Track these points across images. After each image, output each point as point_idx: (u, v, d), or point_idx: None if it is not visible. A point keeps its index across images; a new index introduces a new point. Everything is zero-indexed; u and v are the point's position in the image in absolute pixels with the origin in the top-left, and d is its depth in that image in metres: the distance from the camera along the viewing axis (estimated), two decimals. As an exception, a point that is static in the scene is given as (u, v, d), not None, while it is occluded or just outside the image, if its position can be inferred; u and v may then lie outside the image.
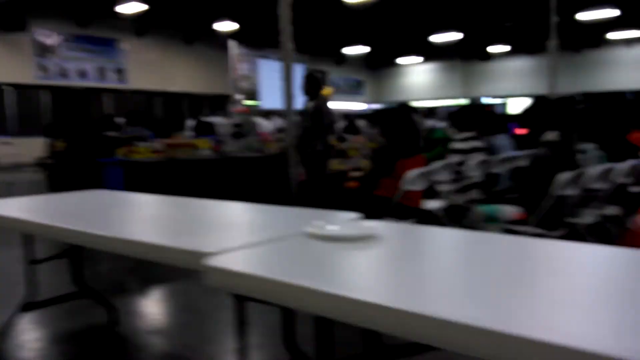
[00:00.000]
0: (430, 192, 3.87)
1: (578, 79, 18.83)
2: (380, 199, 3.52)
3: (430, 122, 14.82)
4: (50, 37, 15.28)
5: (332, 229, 1.48)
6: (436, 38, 18.50)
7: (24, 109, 15.15)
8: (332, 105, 21.16)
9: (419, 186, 3.53)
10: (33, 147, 14.93)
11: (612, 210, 3.83)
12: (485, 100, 21.29)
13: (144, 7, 13.67)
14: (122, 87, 16.80)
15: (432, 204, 4.01)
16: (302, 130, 4.82)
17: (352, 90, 24.38)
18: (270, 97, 18.11)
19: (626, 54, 18.27)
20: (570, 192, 3.05)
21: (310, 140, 4.80)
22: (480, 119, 4.50)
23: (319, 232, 1.46)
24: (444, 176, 4.02)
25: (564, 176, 2.91)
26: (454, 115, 4.44)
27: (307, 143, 4.79)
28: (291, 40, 6.21)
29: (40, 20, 14.94)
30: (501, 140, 4.93)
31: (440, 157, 7.38)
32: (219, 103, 19.20)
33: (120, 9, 14.09)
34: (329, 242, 1.41)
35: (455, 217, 4.61)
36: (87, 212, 2.21)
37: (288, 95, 6.35)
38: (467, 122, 4.39)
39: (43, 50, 15.20)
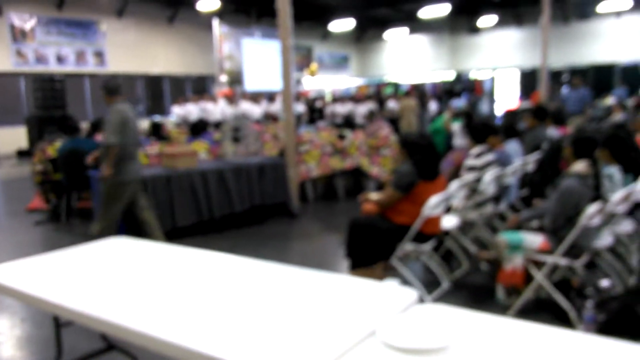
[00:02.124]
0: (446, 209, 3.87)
1: (567, 51, 18.83)
2: (398, 226, 3.50)
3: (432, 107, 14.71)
4: (26, 22, 14.72)
5: (409, 335, 1.46)
6: (424, 12, 18.26)
7: (2, 98, 14.70)
8: (319, 81, 20.98)
9: (440, 211, 3.51)
10: (13, 138, 14.61)
11: (627, 226, 3.87)
12: (473, 74, 21.19)
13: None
14: (102, 71, 16.34)
15: (449, 222, 4.00)
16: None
17: (338, 65, 24.08)
18: (255, 78, 17.87)
19: (615, 25, 18.25)
20: (596, 221, 3.06)
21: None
22: (491, 132, 4.47)
23: (396, 344, 1.43)
24: (460, 194, 4.01)
25: (592, 208, 2.91)
26: (470, 130, 4.40)
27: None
28: (290, 19, 6.13)
29: (15, 4, 14.37)
30: (511, 147, 4.92)
31: (440, 147, 7.39)
32: (202, 84, 18.85)
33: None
34: (406, 354, 1.39)
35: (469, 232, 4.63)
36: (120, 288, 2.13)
37: (286, 77, 6.28)
38: (479, 135, 4.37)
39: (20, 36, 14.66)
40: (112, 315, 1.79)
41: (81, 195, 6.50)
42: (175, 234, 5.27)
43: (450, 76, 21.58)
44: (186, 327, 1.66)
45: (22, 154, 14.13)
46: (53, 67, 15.22)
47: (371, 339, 1.52)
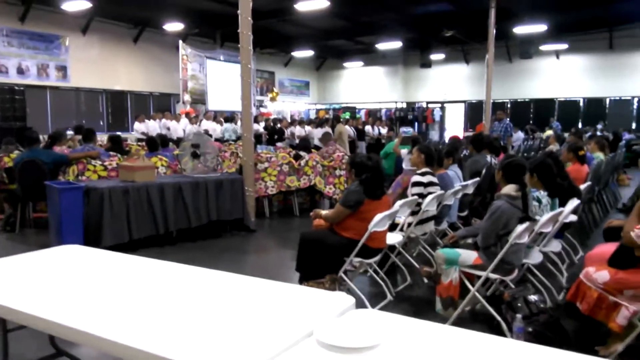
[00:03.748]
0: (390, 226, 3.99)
1: (510, 87, 19.70)
2: (346, 241, 3.59)
3: (373, 130, 15.30)
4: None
5: (343, 335, 1.52)
6: (380, 45, 18.79)
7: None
8: (280, 104, 21.09)
9: (384, 227, 3.62)
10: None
11: (556, 246, 4.09)
12: (424, 104, 21.90)
13: (88, 4, 13.03)
14: (64, 85, 15.95)
15: (394, 238, 4.12)
16: None
17: (299, 90, 24.33)
18: (218, 98, 17.84)
19: (554, 65, 19.23)
20: (525, 240, 3.23)
21: None
22: (438, 156, 4.68)
23: (330, 342, 1.49)
24: (405, 211, 4.14)
25: (521, 227, 3.07)
26: (423, 153, 4.60)
27: None
28: (250, 43, 6.27)
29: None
30: (452, 171, 5.13)
31: (390, 170, 7.58)
32: (165, 102, 18.66)
33: (65, 5, 13.37)
34: (339, 353, 1.45)
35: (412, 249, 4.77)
36: (71, 293, 2.11)
37: (245, 97, 6.37)
38: (430, 159, 4.56)
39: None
40: (61, 317, 1.77)
41: (36, 206, 6.32)
42: (130, 246, 5.18)
43: (402, 105, 22.23)
44: (132, 328, 1.68)
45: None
46: (13, 79, 14.76)
47: (308, 339, 1.58)
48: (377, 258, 3.78)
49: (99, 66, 16.65)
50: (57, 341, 2.73)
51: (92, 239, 4.96)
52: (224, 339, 1.59)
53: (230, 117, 14.44)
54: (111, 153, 6.74)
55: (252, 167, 6.58)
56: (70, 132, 12.36)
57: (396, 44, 18.32)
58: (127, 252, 2.72)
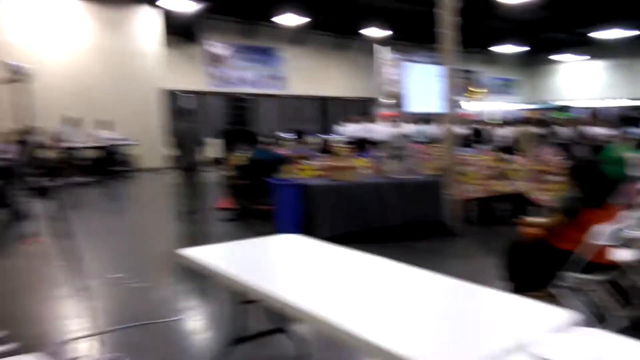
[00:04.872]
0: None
1: None
2: (561, 252, 3.31)
3: (598, 131, 13.54)
4: (219, 48, 16.70)
5: (563, 352, 1.44)
6: (600, 34, 16.73)
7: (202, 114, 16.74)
8: (482, 104, 20.38)
9: (608, 241, 3.25)
10: (212, 148, 16.58)
11: None
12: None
13: (304, 19, 14.32)
14: (282, 93, 17.82)
15: (623, 255, 3.66)
16: None
17: (503, 89, 23.07)
18: (416, 100, 17.94)
19: None
20: None
21: None
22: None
23: (548, 358, 1.43)
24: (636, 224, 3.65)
25: None
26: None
27: None
28: (454, 44, 6.20)
29: (211, 33, 16.39)
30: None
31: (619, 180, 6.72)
32: (364, 106, 19.49)
33: (281, 20, 14.92)
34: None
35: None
36: (296, 276, 2.39)
37: (447, 100, 6.30)
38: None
39: (213, 60, 16.66)
40: (290, 296, 2.02)
41: (260, 199, 7.19)
42: (331, 241, 5.57)
43: (627, 102, 19.42)
44: (349, 314, 1.82)
45: (217, 162, 16.01)
46: (240, 88, 16.98)
47: (521, 353, 1.52)
48: (603, 276, 3.40)
49: (309, 74, 18.18)
50: (274, 318, 3.08)
51: (308, 229, 5.47)
52: (434, 337, 1.63)
53: (422, 119, 14.42)
54: (319, 154, 7.33)
55: (452, 170, 6.48)
56: (286, 135, 13.78)
57: (622, 34, 16.10)
58: (338, 243, 2.94)
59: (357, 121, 14.08)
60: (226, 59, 16.83)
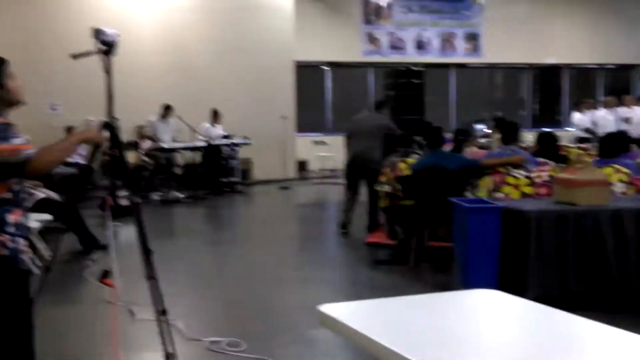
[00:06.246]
0: None
1: None
2: None
3: None
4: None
5: None
6: None
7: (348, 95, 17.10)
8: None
9: None
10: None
11: None
12: None
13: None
14: (473, 62, 17.53)
15: None
16: None
17: None
18: None
19: None
20: None
21: None
22: None
23: None
24: None
25: None
26: None
27: None
28: None
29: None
30: None
31: None
32: (624, 80, 18.41)
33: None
34: None
35: None
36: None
37: None
38: None
39: (374, 16, 16.92)
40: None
41: (436, 230, 7.04)
42: (564, 302, 5.23)
43: None
44: None
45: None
46: (411, 57, 16.98)
47: None
48: None
49: (522, 34, 17.56)
50: None
51: (510, 282, 5.21)
52: None
53: None
54: (540, 160, 6.96)
55: None
56: (480, 127, 13.46)
57: None
58: (559, 308, 2.71)
59: (608, 105, 13.42)
60: (389, 13, 17.01)
